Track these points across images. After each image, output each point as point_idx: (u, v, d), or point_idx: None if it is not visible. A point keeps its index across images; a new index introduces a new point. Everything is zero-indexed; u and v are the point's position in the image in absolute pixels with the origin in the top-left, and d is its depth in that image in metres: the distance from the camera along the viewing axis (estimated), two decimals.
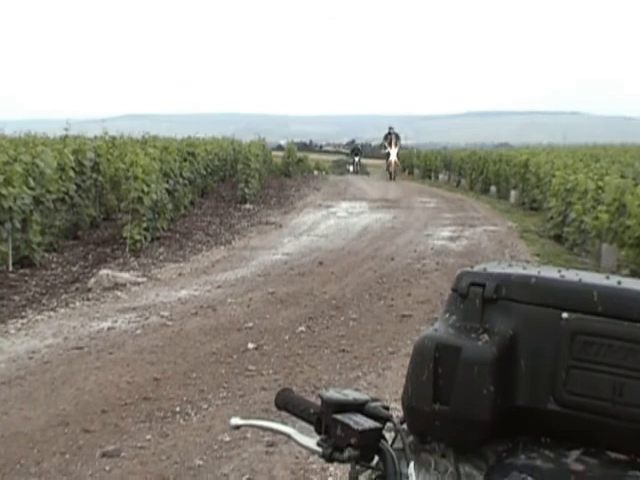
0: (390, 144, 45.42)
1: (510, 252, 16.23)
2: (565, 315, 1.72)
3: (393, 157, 45.25)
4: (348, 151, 65.07)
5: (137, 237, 15.51)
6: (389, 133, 46.60)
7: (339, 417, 1.62)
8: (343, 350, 9.26)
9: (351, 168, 57.05)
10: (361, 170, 56.25)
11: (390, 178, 43.72)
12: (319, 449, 1.66)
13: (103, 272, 13.26)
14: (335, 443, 1.63)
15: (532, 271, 1.85)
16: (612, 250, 13.76)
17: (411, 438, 1.83)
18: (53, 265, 14.46)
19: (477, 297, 1.81)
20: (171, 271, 14.25)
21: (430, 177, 45.62)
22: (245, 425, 1.88)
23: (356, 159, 57.56)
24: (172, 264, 14.95)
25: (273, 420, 1.90)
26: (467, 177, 37.31)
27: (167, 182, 18.43)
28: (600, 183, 15.26)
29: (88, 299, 11.90)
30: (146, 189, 15.87)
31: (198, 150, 24.57)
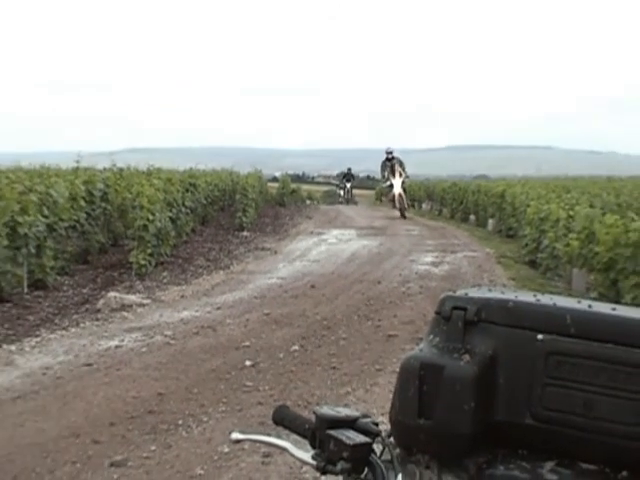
0: (393, 173, 33.76)
1: (488, 276, 16.23)
2: (540, 337, 1.73)
3: (397, 189, 33.49)
4: (337, 181, 63.03)
5: (142, 262, 15.49)
6: (388, 159, 34.45)
7: (332, 432, 1.63)
8: (334, 367, 9.24)
9: (342, 192, 51.93)
10: (351, 199, 51.11)
11: (401, 216, 32.98)
12: (313, 462, 1.66)
13: (111, 294, 13.24)
14: (328, 457, 1.63)
15: (510, 295, 1.86)
16: (582, 274, 13.79)
17: (398, 450, 1.84)
18: (65, 287, 14.43)
19: (459, 320, 1.81)
20: (174, 293, 14.23)
21: (414, 206, 45.53)
22: (245, 440, 1.88)
23: (348, 186, 51.75)
24: (175, 287, 14.92)
25: (270, 435, 1.90)
26: (448, 206, 37.34)
27: (170, 211, 18.42)
28: (571, 212, 15.30)
29: (97, 319, 11.87)
30: (151, 217, 15.87)
31: (199, 181, 24.57)
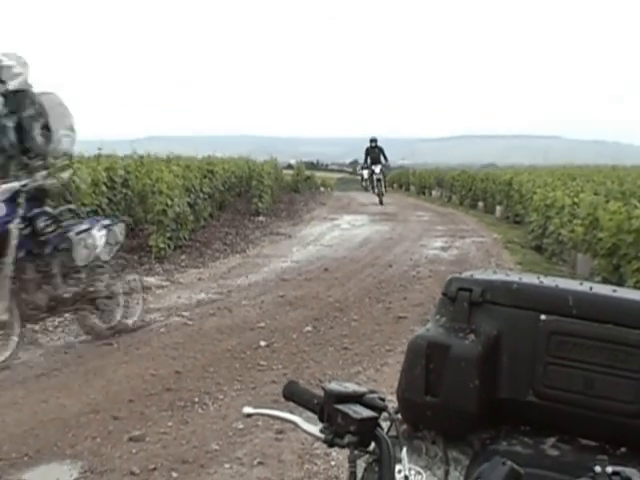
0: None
1: (495, 261, 16.18)
2: (543, 317, 1.73)
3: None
4: (351, 169, 57.92)
5: (162, 245, 15.51)
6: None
7: (340, 407, 1.63)
8: (345, 348, 9.25)
9: (365, 174, 33.75)
10: (382, 191, 31.48)
11: None
12: (322, 435, 1.67)
13: (131, 277, 13.25)
14: (336, 430, 1.63)
15: (514, 277, 1.87)
16: (586, 259, 13.74)
17: (405, 426, 1.85)
18: None
19: (465, 301, 1.82)
20: (192, 276, 14.25)
21: (424, 193, 45.46)
22: (256, 414, 1.89)
23: (376, 170, 31.56)
24: (193, 270, 14.95)
25: (281, 409, 1.91)
26: (457, 193, 37.24)
27: (189, 196, 18.43)
28: (576, 199, 15.25)
29: None
30: (170, 203, 15.89)
31: (217, 168, 24.56)
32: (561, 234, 15.60)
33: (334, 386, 1.68)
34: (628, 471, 1.31)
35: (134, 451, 6.14)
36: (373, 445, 1.64)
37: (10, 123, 8.53)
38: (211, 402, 7.32)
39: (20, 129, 8.56)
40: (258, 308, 11.37)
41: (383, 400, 1.68)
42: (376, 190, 31.17)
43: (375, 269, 15.12)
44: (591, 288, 1.79)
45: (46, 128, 8.77)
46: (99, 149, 20.97)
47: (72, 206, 10.44)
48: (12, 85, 8.64)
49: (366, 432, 1.61)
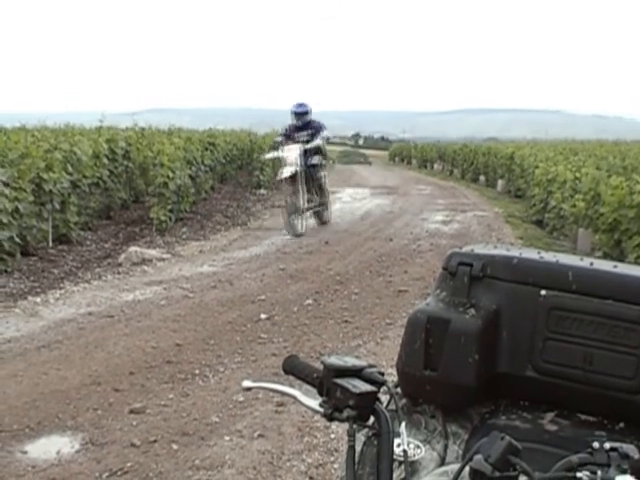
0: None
1: (497, 235, 16.19)
2: (543, 292, 1.73)
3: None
4: (353, 142, 57.78)
5: (163, 218, 15.52)
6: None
7: (339, 381, 1.63)
8: (346, 321, 9.26)
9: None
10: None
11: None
12: (321, 409, 1.67)
13: (132, 249, 13.27)
14: (335, 404, 1.63)
15: (514, 252, 1.87)
16: (587, 234, 13.75)
17: (404, 401, 1.85)
18: (88, 242, 14.48)
19: (465, 275, 1.82)
20: (193, 248, 14.25)
21: (426, 167, 45.43)
22: (256, 387, 1.89)
23: (289, 157, 16.47)
24: (194, 242, 14.95)
25: (281, 383, 1.91)
26: (459, 167, 37.22)
27: (190, 169, 18.43)
28: (577, 174, 15.24)
29: (119, 273, 11.91)
30: (171, 175, 15.88)
31: (218, 141, 24.53)
32: (562, 209, 15.60)
33: (333, 360, 1.68)
34: (626, 447, 1.31)
35: (135, 423, 6.16)
36: (372, 419, 1.64)
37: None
38: (212, 375, 7.33)
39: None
40: (259, 281, 11.39)
41: (382, 374, 1.68)
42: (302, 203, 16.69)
43: (376, 242, 15.13)
44: (591, 264, 1.79)
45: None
46: (100, 121, 20.97)
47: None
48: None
49: (365, 406, 1.61)
